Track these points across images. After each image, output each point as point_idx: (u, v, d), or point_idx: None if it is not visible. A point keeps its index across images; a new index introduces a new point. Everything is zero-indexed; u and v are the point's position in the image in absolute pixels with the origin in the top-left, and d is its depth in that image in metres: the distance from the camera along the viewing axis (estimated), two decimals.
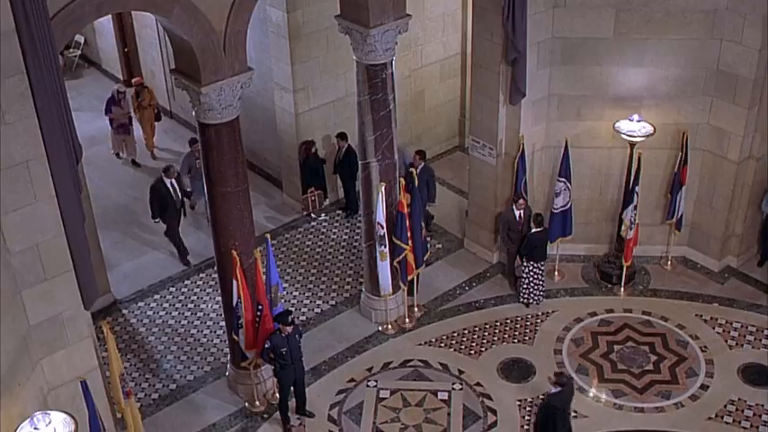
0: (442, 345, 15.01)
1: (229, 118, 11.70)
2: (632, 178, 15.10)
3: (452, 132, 20.02)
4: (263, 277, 12.91)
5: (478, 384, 14.25)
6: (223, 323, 14.87)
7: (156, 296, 16.14)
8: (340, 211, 18.06)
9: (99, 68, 24.14)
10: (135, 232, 17.74)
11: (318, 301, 15.91)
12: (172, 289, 16.29)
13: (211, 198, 12.35)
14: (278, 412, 13.53)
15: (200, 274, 16.64)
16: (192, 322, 15.55)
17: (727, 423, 13.51)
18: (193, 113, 11.82)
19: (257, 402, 13.80)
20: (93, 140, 20.03)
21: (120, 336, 15.19)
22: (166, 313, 15.76)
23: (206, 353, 14.90)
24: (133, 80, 20.95)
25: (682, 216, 15.99)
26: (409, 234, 14.47)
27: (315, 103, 17.11)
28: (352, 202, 17.94)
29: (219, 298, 15.36)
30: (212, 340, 15.13)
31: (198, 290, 16.28)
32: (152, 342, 15.15)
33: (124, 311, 15.80)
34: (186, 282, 16.47)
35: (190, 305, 15.93)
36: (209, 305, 15.89)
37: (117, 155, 20.07)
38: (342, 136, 17.18)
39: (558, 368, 14.42)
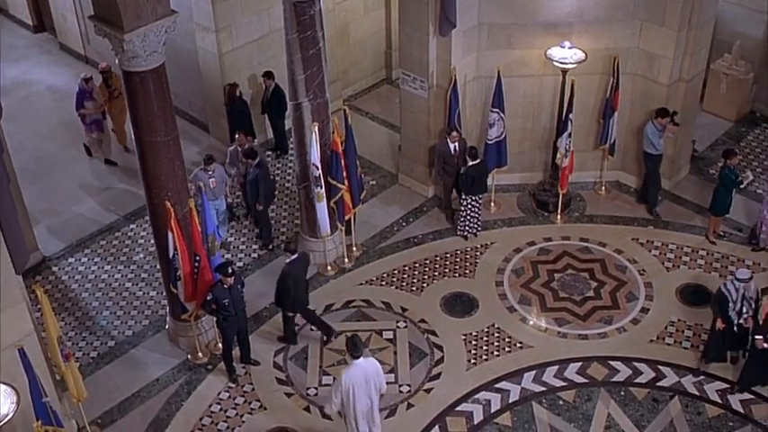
0: (384, 283, 14.87)
1: (155, 64, 11.17)
2: (566, 106, 15.01)
3: (379, 65, 19.66)
4: (199, 227, 12.53)
5: (423, 321, 14.18)
6: (158, 274, 14.52)
7: (87, 250, 15.61)
8: (270, 152, 17.63)
9: (6, 14, 22.90)
10: (58, 184, 17.08)
11: (254, 246, 15.58)
12: (102, 242, 15.77)
13: (140, 148, 11.85)
14: (222, 362, 13.28)
15: (130, 225, 16.14)
16: (126, 275, 15.10)
17: (668, 345, 13.72)
18: (116, 61, 11.25)
19: (200, 354, 13.53)
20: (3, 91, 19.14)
21: (53, 294, 14.67)
22: (98, 268, 15.27)
23: (143, 306, 14.51)
24: (100, 66, 17.61)
25: (615, 141, 16.00)
26: (345, 173, 14.19)
27: (238, 42, 16.54)
28: (282, 141, 17.55)
29: (152, 249, 15.05)
30: (149, 293, 14.73)
31: (129, 241, 15.80)
32: (86, 299, 14.68)
33: (54, 269, 15.26)
34: (116, 233, 15.96)
35: (122, 258, 15.46)
36: (142, 256, 15.45)
37: (87, 151, 17.88)
38: (268, 75, 16.68)
39: (500, 300, 14.45)
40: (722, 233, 15.57)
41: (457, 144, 15.19)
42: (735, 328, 12.72)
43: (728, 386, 13.08)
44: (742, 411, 12.79)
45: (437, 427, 12.62)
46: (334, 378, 12.46)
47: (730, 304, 12.61)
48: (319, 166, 13.82)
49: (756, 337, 12.28)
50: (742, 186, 15.09)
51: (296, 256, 13.17)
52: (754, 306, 12.60)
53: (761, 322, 12.26)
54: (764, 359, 12.43)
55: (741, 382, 12.94)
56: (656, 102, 15.46)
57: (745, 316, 12.59)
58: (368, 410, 11.53)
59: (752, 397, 12.92)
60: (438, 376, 13.32)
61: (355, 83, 19.19)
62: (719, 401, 12.93)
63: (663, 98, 15.38)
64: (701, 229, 15.67)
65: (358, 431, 11.62)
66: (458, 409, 12.87)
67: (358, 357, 11.20)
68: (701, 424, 12.63)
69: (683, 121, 15.82)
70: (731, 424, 12.63)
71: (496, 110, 15.16)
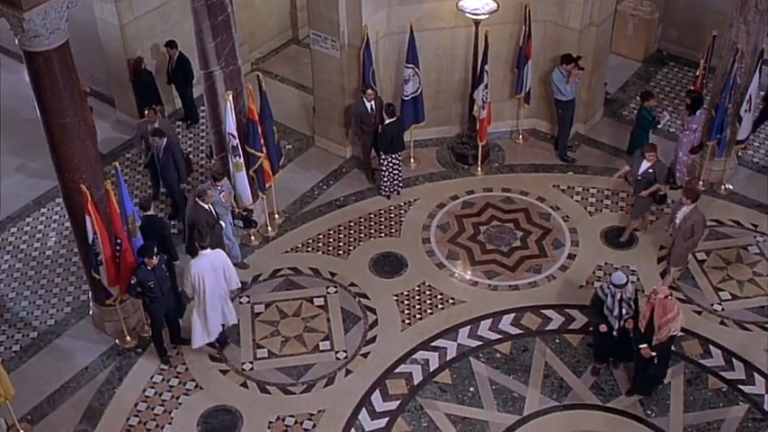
0: (310, 249, 14.63)
1: (59, 43, 10.56)
2: (480, 57, 14.87)
3: (285, 26, 19.19)
4: (118, 209, 12.06)
5: (353, 284, 14.02)
6: (76, 258, 14.05)
7: None
8: (180, 122, 17.10)
9: None
10: None
11: (174, 222, 15.11)
12: (13, 229, 15.10)
13: (49, 132, 11.28)
14: (152, 344, 12.91)
15: (41, 209, 15.48)
16: (42, 262, 14.50)
17: None
18: (16, 42, 10.63)
19: (128, 338, 13.12)
20: None
21: None
22: (12, 256, 14.62)
23: (63, 293, 13.97)
24: None
25: (530, 89, 15.98)
26: (262, 141, 13.84)
27: (139, 12, 15.90)
28: (191, 111, 17.05)
29: (67, 233, 14.53)
30: (68, 278, 14.19)
31: (41, 226, 15.16)
32: (1, 289, 14.06)
33: None
34: (27, 219, 15.29)
35: (36, 244, 14.83)
36: (56, 240, 14.86)
37: None
38: (171, 44, 16.11)
39: (428, 257, 14.37)
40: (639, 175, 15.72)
41: (373, 102, 14.95)
42: (614, 333, 12.17)
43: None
44: (674, 349, 13.00)
45: (378, 391, 12.53)
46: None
47: (606, 310, 12.09)
48: (236, 135, 13.42)
49: (641, 346, 11.78)
50: (659, 126, 15.25)
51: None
52: (633, 307, 12.07)
53: (642, 330, 11.79)
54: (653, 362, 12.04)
55: (637, 389, 12.43)
56: (567, 47, 15.45)
57: (625, 316, 12.01)
58: (218, 299, 12.37)
59: (682, 334, 13.15)
60: (374, 339, 13.21)
61: (262, 45, 18.71)
62: None
63: (574, 43, 15.38)
64: None
65: (206, 317, 12.39)
66: (397, 370, 12.79)
67: (205, 248, 12.15)
68: None
69: (596, 64, 15.89)
70: None
71: (411, 65, 14.94)
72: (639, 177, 14.05)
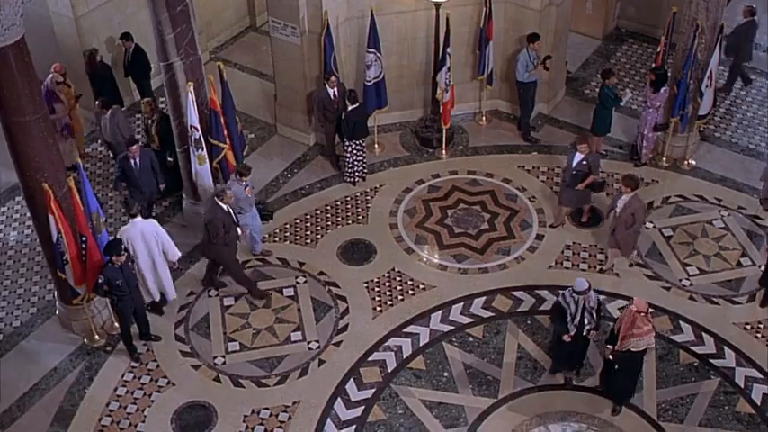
0: (277, 239, 14.50)
1: (15, 38, 10.29)
2: (442, 40, 14.78)
3: (242, 13, 18.96)
4: (82, 206, 11.84)
5: (322, 273, 13.92)
6: (39, 258, 13.79)
7: None
8: (139, 115, 16.83)
9: None
10: None
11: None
12: None
13: (8, 131, 11.02)
14: (121, 342, 12.73)
15: (1, 208, 15.18)
16: (5, 262, 14.22)
17: (567, 268, 13.89)
18: None
19: (96, 336, 12.93)
20: None
21: None
22: None
23: (28, 294, 13.71)
24: (54, 67, 15.11)
25: (492, 71, 15.93)
26: (226, 132, 13.66)
27: (93, 3, 15.59)
28: None
29: (29, 232, 14.29)
30: (32, 278, 13.93)
31: (2, 225, 14.86)
32: None
33: None
34: None
35: None
36: (18, 239, 14.58)
37: None
38: (126, 36, 15.80)
39: (397, 243, 14.30)
40: (604, 152, 15.78)
41: (336, 89, 14.82)
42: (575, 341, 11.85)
43: (629, 302, 13.36)
44: None
45: (352, 380, 12.47)
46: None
47: (569, 317, 11.65)
48: (199, 128, 13.23)
49: (607, 345, 11.58)
50: (621, 104, 15.28)
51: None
52: (596, 317, 11.73)
53: (614, 332, 11.50)
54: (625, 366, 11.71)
55: (616, 400, 12.11)
56: (528, 28, 15.42)
57: (587, 327, 11.67)
58: (152, 268, 12.72)
59: (652, 310, 13.19)
60: (346, 328, 13.15)
61: (220, 33, 18.48)
62: None
63: (535, 23, 15.36)
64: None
65: (147, 284, 12.83)
66: (370, 358, 12.75)
67: (135, 216, 12.45)
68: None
69: (556, 43, 15.89)
70: None
71: (373, 50, 14.82)
72: (574, 171, 13.76)
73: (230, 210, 12.94)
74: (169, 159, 14.55)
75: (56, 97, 15.01)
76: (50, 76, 14.98)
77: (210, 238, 12.78)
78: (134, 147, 13.76)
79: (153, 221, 12.84)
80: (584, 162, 13.71)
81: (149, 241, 12.56)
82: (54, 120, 14.59)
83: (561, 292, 11.85)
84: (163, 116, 14.57)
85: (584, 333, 11.77)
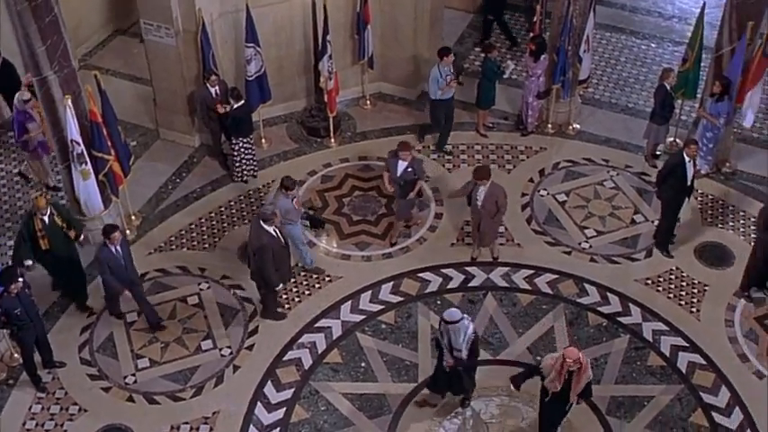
0: (174, 247, 14.11)
1: None
2: (321, 28, 14.59)
3: (108, 17, 18.20)
4: None
5: (225, 277, 13.63)
6: None
7: None
8: (13, 133, 16.05)
9: None
10: None
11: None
12: None
13: None
14: (24, 374, 12.16)
15: None
16: None
17: (468, 244, 13.98)
18: None
19: None
20: None
21: None
22: None
23: None
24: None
25: (372, 54, 15.84)
26: (109, 142, 13.17)
27: None
28: None
29: None
30: None
31: None
32: None
33: None
34: None
35: None
36: None
37: (25, 177, 15.19)
38: None
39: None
40: (491, 124, 15.94)
41: (217, 87, 14.46)
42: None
43: (534, 271, 13.57)
44: (551, 292, 13.31)
45: (270, 382, 12.26)
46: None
47: (444, 347, 11.06)
48: (81, 141, 12.70)
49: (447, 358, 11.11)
50: (505, 76, 15.41)
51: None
52: (468, 347, 10.90)
53: (557, 391, 10.60)
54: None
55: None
56: (404, 8, 15.43)
57: (455, 356, 10.97)
58: None
59: (557, 276, 13.46)
60: (256, 330, 12.91)
61: (87, 40, 17.76)
62: (529, 288, 13.38)
63: (411, 3, 15.33)
64: (470, 125, 15.94)
65: None
66: (285, 358, 12.56)
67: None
68: (518, 313, 13.06)
69: (432, 21, 15.89)
70: (545, 307, 13.14)
71: (251, 44, 14.50)
72: (402, 182, 13.38)
73: (278, 232, 12.25)
74: None
75: (28, 116, 14.11)
76: (17, 94, 14.14)
77: (260, 265, 12.09)
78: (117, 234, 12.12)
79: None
80: (410, 169, 13.31)
81: None
82: (26, 140, 14.22)
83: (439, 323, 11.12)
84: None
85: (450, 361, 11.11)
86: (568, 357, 10.19)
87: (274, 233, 12.13)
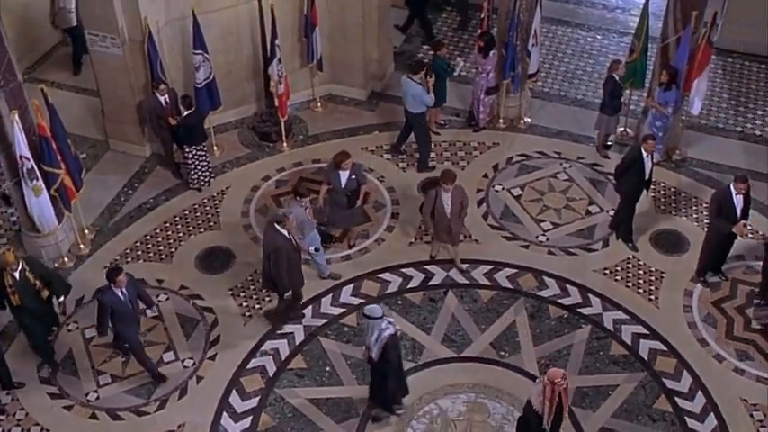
0: (129, 259, 13.91)
1: None
2: (269, 32, 14.50)
3: (50, 29, 17.87)
4: None
5: (183, 287, 13.48)
6: None
7: None
8: None
9: None
10: None
11: None
12: None
13: None
14: None
15: None
16: None
17: (427, 242, 13.96)
18: None
19: None
20: None
21: None
22: None
23: None
24: None
25: (321, 56, 15.78)
26: (60, 156, 12.96)
27: None
28: None
29: None
30: None
31: None
32: None
33: None
34: None
35: None
36: None
37: (6, 199, 14.57)
38: None
39: (254, 244, 13.97)
40: (443, 122, 15.97)
41: (167, 96, 14.30)
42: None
43: (492, 266, 13.61)
44: (511, 287, 13.37)
45: (234, 391, 12.15)
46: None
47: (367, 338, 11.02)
48: (30, 157, 12.49)
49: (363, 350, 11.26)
50: (455, 74, 15.45)
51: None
52: (380, 349, 10.85)
53: (549, 418, 10.41)
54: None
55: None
56: (352, 8, 15.39)
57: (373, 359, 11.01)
58: None
59: (516, 270, 13.52)
60: (218, 339, 12.78)
61: (30, 53, 17.45)
62: (488, 283, 13.43)
63: (358, 3, 15.32)
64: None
65: None
66: (249, 366, 12.45)
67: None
68: (480, 309, 13.10)
69: (381, 20, 15.89)
70: (506, 302, 13.19)
71: (199, 51, 14.36)
72: (348, 193, 13.30)
73: (291, 235, 12.14)
74: None
75: None
76: None
77: (274, 268, 11.96)
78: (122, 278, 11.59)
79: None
80: (353, 177, 13.19)
81: None
82: None
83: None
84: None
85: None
86: (555, 379, 10.01)
87: (288, 236, 12.06)
